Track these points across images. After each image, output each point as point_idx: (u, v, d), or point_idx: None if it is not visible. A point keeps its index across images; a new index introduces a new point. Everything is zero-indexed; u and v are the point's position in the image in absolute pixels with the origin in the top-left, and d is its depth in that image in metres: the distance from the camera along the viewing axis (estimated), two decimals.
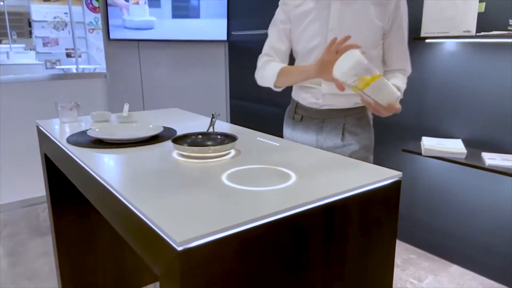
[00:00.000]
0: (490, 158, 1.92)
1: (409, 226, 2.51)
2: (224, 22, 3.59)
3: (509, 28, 1.90)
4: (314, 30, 1.41)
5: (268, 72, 1.49)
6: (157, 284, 2.13)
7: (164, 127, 1.51)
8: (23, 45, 8.35)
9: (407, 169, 2.42)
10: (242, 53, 3.70)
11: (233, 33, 3.66)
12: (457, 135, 2.21)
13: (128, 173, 1.08)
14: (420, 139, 2.27)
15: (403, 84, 1.43)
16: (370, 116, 1.53)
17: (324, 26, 1.38)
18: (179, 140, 1.26)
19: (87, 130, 1.44)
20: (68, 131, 1.53)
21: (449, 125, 2.23)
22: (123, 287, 2.05)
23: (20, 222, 2.86)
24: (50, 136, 1.50)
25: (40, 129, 1.67)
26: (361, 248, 1.01)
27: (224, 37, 3.64)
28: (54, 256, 1.88)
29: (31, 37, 9.32)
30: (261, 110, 3.51)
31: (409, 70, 1.48)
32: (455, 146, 2.06)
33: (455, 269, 2.25)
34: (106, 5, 3.01)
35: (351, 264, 0.99)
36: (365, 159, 1.45)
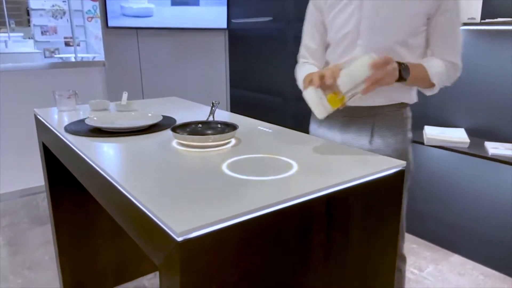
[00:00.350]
0: (493, 148, 1.90)
1: (410, 215, 2.50)
2: (224, 10, 3.54)
3: None
4: (346, 18, 1.26)
5: (299, 78, 1.39)
6: (158, 273, 2.12)
7: (163, 116, 1.49)
8: (22, 34, 8.27)
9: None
10: (243, 41, 3.66)
11: (233, 21, 3.61)
12: (460, 124, 2.18)
13: (127, 163, 1.06)
14: (422, 128, 2.25)
15: (434, 67, 1.21)
16: (408, 115, 1.33)
17: (357, 12, 1.23)
18: (179, 129, 1.24)
19: (85, 118, 1.42)
20: (66, 120, 1.51)
21: (452, 114, 2.21)
22: (124, 276, 2.05)
23: (20, 211, 2.85)
24: (47, 125, 1.48)
25: (38, 118, 1.64)
26: (364, 238, 0.99)
27: (224, 25, 3.59)
28: (53, 245, 1.88)
29: (29, 25, 9.24)
30: (262, 99, 3.47)
31: (457, 62, 1.25)
32: (458, 135, 2.04)
33: (456, 258, 2.25)
34: None
35: (354, 255, 0.98)
36: None
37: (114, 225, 1.93)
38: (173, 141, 1.22)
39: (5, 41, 7.48)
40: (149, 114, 1.47)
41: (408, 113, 1.33)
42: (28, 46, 7.50)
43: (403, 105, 1.31)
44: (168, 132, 1.29)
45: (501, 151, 1.86)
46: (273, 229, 0.80)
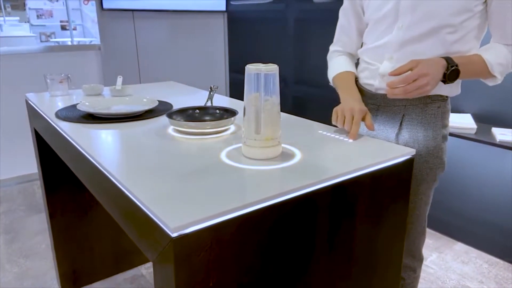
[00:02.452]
0: (501, 134, 1.84)
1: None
2: None
3: None
4: None
5: (329, 70, 1.33)
6: None
7: (160, 101, 1.43)
8: (18, 18, 8.12)
9: None
10: (242, 24, 3.56)
11: (232, 3, 3.50)
12: (466, 110, 2.12)
13: (120, 152, 1.00)
14: None
15: (496, 57, 1.06)
16: (445, 110, 1.16)
17: None
18: (175, 114, 1.18)
19: (77, 104, 1.35)
20: (58, 105, 1.44)
21: (458, 100, 2.14)
22: (120, 265, 2.01)
23: (16, 199, 2.81)
24: (38, 110, 1.42)
25: (29, 103, 1.58)
26: (370, 230, 0.94)
27: (223, 7, 3.49)
28: (48, 233, 1.83)
29: (25, 9, 9.07)
30: None
31: None
32: (465, 121, 1.97)
33: (460, 246, 2.21)
34: None
35: (359, 247, 0.93)
36: (425, 166, 1.16)
37: (108, 215, 1.88)
38: (169, 128, 1.16)
39: (1, 25, 7.33)
40: (144, 99, 1.40)
41: (447, 106, 1.17)
42: (24, 30, 7.37)
43: (441, 97, 1.14)
44: (164, 118, 1.23)
45: (509, 138, 1.80)
46: (273, 223, 0.75)
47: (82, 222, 1.83)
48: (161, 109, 1.36)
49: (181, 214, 0.66)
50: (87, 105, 1.30)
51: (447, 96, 1.15)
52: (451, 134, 1.95)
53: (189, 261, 0.65)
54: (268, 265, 0.76)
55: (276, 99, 0.90)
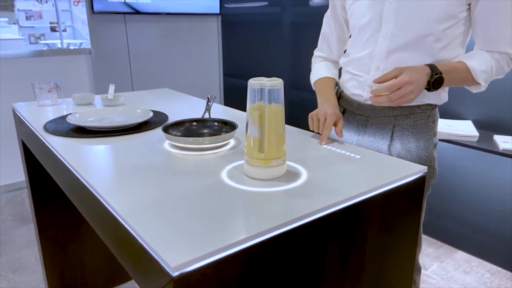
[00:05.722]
0: (504, 142, 1.80)
1: None
2: None
3: None
4: (369, 3, 1.11)
5: (311, 74, 1.35)
6: None
7: (154, 111, 1.36)
8: (6, 19, 7.98)
9: None
10: (236, 27, 3.49)
11: (226, 5, 3.44)
12: (466, 116, 2.08)
13: (114, 172, 0.93)
14: None
15: (479, 65, 1.05)
16: (435, 118, 1.16)
17: None
18: (171, 128, 1.11)
19: (67, 115, 1.28)
20: (46, 116, 1.37)
21: (459, 106, 2.10)
22: (113, 279, 1.94)
23: (4, 209, 2.71)
24: (26, 122, 1.34)
25: (16, 113, 1.50)
26: (381, 252, 0.89)
27: (217, 10, 3.43)
28: (37, 247, 1.75)
29: (14, 10, 8.90)
30: None
31: (510, 52, 1.06)
32: (466, 129, 1.93)
33: (460, 255, 2.17)
34: None
35: (372, 267, 0.87)
36: None
37: None
38: (165, 142, 1.10)
39: None
40: (138, 110, 1.33)
41: (436, 115, 1.16)
42: (12, 32, 7.23)
43: (429, 106, 1.14)
44: (159, 131, 1.17)
45: (511, 145, 1.77)
46: (280, 253, 0.69)
47: (73, 235, 1.76)
48: (155, 120, 1.29)
49: (182, 250, 0.60)
50: (77, 117, 1.23)
51: (436, 105, 1.15)
52: (453, 142, 1.91)
53: None
54: None
55: (281, 114, 0.84)
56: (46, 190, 1.66)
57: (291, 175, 0.87)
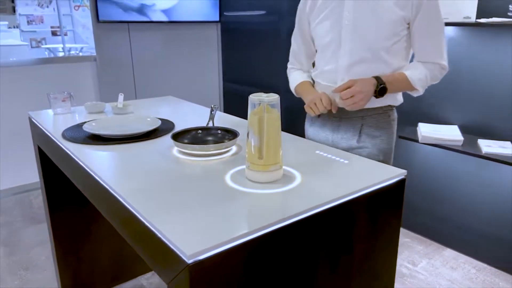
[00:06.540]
0: (487, 146, 1.92)
1: (404, 210, 2.54)
2: (216, 2, 3.50)
3: (509, 14, 1.88)
4: (328, 26, 1.34)
5: (290, 83, 1.57)
6: (155, 273, 2.13)
7: (161, 119, 1.48)
8: (6, 22, 8.07)
9: (403, 155, 2.42)
10: (235, 34, 3.62)
11: (225, 13, 3.57)
12: (453, 121, 2.21)
13: (130, 175, 1.05)
14: (416, 125, 2.27)
15: (415, 74, 1.30)
16: (394, 117, 1.42)
17: (338, 21, 1.31)
18: (179, 136, 1.23)
19: (83, 123, 1.40)
20: (62, 124, 1.49)
21: (446, 111, 2.23)
22: (121, 276, 2.05)
23: (13, 210, 2.83)
24: (44, 130, 1.46)
25: (32, 121, 1.62)
26: (367, 247, 1.01)
27: (217, 18, 3.55)
28: (51, 246, 1.87)
29: (14, 13, 8.99)
30: (255, 93, 3.46)
31: (441, 63, 1.32)
32: (452, 133, 2.06)
33: (449, 252, 2.30)
34: None
35: (359, 260, 1.00)
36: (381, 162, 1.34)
37: (111, 226, 1.92)
38: (174, 149, 1.22)
39: None
40: (148, 119, 1.45)
41: (394, 114, 1.43)
42: (14, 37, 7.33)
43: (389, 107, 1.39)
44: (167, 138, 1.29)
45: (494, 149, 1.89)
46: (280, 244, 0.81)
47: (83, 234, 1.87)
48: (163, 128, 1.41)
49: (195, 242, 0.72)
50: (93, 126, 1.35)
51: (394, 106, 1.41)
52: (439, 146, 2.04)
53: (204, 284, 0.71)
54: (276, 284, 0.82)
55: (278, 124, 0.96)
56: (59, 193, 1.76)
57: (287, 178, 1.00)
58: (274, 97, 0.94)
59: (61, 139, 1.31)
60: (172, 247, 0.72)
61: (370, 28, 1.27)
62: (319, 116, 1.45)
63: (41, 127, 1.50)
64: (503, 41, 1.94)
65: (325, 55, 1.38)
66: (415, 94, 1.37)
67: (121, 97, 1.71)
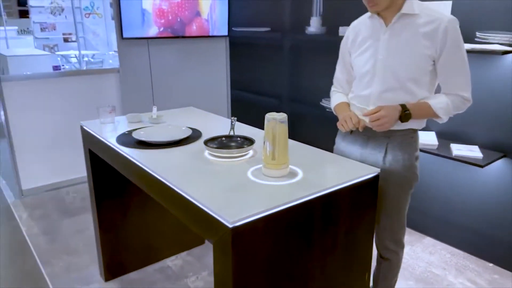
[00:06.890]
0: (457, 149, 2.30)
1: None
2: (225, 19, 3.89)
3: (476, 39, 2.25)
4: (365, 59, 1.57)
5: (331, 103, 1.79)
6: (178, 255, 2.51)
7: (192, 128, 1.86)
8: (16, 27, 8.42)
9: None
10: (242, 48, 4.02)
11: (233, 29, 3.96)
12: (431, 128, 2.59)
13: (177, 169, 1.43)
14: None
15: (438, 103, 1.49)
16: (416, 138, 1.61)
17: (374, 56, 1.54)
18: (209, 142, 1.61)
19: (131, 131, 1.78)
20: (111, 132, 1.87)
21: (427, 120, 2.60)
22: (150, 258, 2.42)
23: (48, 205, 3.20)
24: (99, 137, 1.84)
25: (84, 129, 2.00)
26: (350, 228, 1.39)
27: (225, 33, 3.94)
28: (94, 232, 2.24)
29: (20, 17, 9.35)
30: (259, 100, 3.85)
31: (464, 95, 1.50)
32: (429, 138, 2.44)
33: (428, 240, 2.68)
34: (119, 5, 3.28)
35: (343, 239, 1.38)
36: (403, 178, 1.60)
37: (142, 216, 2.30)
38: (205, 152, 1.60)
39: (5, 39, 7.59)
40: (183, 128, 1.83)
41: (417, 136, 1.62)
42: (27, 44, 7.68)
43: (412, 130, 1.58)
44: (198, 144, 1.67)
45: (463, 152, 2.27)
46: (288, 220, 1.19)
47: (121, 223, 2.24)
48: (194, 135, 1.79)
49: (234, 212, 1.10)
50: (141, 134, 1.74)
51: (417, 129, 1.61)
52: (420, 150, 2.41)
53: (241, 243, 1.09)
54: (290, 248, 1.20)
55: (286, 135, 1.34)
56: (103, 188, 2.13)
57: (293, 174, 1.38)
58: (283, 116, 1.33)
59: (117, 144, 1.69)
60: (217, 217, 1.11)
61: (399, 64, 1.48)
62: (351, 132, 1.67)
63: (94, 134, 1.88)
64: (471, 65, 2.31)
65: (361, 82, 1.60)
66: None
67: (154, 108, 2.09)
